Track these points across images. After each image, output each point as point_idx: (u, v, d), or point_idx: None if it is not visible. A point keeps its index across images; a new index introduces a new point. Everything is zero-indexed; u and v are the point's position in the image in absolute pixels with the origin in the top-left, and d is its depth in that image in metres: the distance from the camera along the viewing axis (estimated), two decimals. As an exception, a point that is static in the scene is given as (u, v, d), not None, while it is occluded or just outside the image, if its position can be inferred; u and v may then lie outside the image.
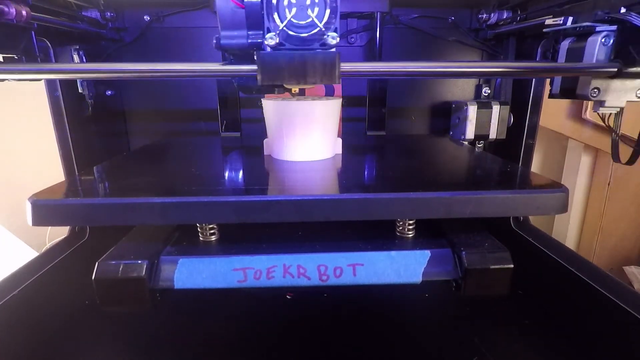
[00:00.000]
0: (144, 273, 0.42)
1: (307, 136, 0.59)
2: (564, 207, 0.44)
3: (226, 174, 0.54)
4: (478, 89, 0.92)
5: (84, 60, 0.77)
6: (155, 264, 0.44)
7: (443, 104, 0.93)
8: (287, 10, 0.40)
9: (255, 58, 0.43)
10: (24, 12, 0.51)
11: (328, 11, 0.40)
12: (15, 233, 1.04)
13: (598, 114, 0.50)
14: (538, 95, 0.81)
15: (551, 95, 0.56)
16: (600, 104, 0.48)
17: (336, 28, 0.41)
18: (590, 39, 0.47)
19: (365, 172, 0.56)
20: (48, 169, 1.03)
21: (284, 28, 0.40)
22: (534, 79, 0.81)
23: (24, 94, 1.02)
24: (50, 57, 0.73)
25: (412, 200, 0.43)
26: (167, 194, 0.43)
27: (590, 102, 0.50)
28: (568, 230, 1.24)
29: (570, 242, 1.25)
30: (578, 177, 1.19)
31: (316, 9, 0.40)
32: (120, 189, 0.47)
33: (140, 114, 0.91)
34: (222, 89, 0.87)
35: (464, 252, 0.44)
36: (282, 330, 0.57)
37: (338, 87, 0.89)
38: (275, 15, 0.40)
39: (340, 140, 0.65)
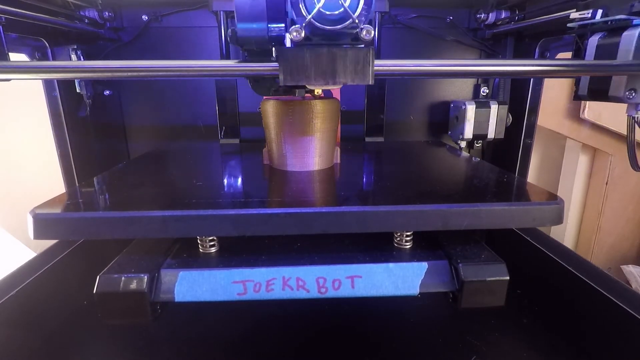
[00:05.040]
0: (144, 286, 0.42)
1: (306, 138, 0.59)
2: (559, 219, 0.45)
3: (225, 186, 0.55)
4: (476, 88, 0.92)
5: (82, 60, 0.76)
6: (156, 277, 0.44)
7: (441, 103, 0.93)
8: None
9: (274, 55, 0.38)
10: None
11: (362, 1, 0.34)
12: (12, 233, 1.04)
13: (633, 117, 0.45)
14: (536, 94, 0.81)
15: (577, 97, 0.51)
16: (637, 107, 0.44)
17: (371, 20, 0.35)
18: (625, 33, 0.42)
19: (364, 183, 0.57)
20: (46, 169, 1.04)
21: (312, 20, 0.34)
22: (531, 79, 0.80)
23: (21, 94, 1.01)
24: (48, 56, 0.73)
25: (410, 213, 0.43)
26: (167, 207, 0.43)
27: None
28: (566, 229, 1.24)
29: (568, 241, 1.27)
30: (576, 177, 1.19)
31: (348, -1, 0.33)
32: (121, 202, 0.47)
33: (138, 114, 0.91)
34: (221, 92, 0.87)
35: (460, 264, 0.45)
36: (282, 339, 0.58)
37: (336, 91, 0.89)
38: (302, 5, 0.34)
39: (338, 150, 0.65)
